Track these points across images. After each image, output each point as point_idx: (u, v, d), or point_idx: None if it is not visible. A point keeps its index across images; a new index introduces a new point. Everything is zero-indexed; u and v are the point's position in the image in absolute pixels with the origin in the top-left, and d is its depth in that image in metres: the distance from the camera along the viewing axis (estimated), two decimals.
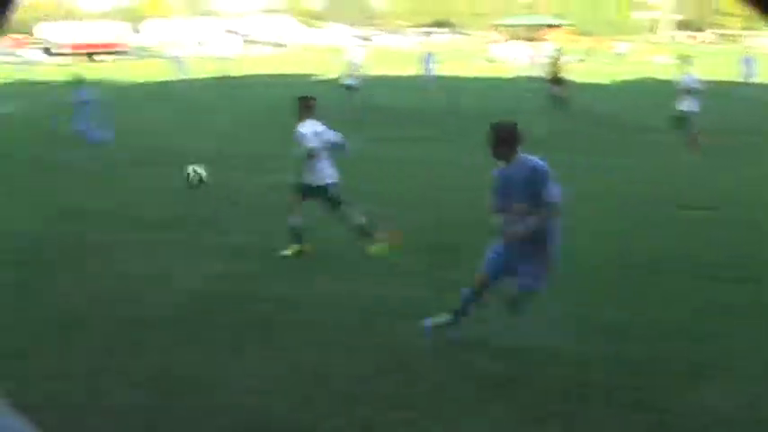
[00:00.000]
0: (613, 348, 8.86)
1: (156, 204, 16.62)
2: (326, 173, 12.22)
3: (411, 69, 53.38)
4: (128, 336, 9.52)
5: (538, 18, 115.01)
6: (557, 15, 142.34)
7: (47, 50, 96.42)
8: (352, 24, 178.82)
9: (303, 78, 54.54)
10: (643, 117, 30.63)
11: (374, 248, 12.28)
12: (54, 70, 58.50)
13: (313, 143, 11.91)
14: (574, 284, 10.66)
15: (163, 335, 9.46)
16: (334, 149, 12.23)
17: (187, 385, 8.04)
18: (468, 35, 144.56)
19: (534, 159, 8.08)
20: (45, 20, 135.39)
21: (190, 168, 17.81)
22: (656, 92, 39.32)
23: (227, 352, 8.82)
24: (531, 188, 7.87)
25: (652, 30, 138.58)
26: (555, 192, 7.95)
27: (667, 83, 31.17)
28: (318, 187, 12.38)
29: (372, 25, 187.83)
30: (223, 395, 7.77)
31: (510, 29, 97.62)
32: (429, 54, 44.28)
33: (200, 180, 17.69)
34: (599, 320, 9.80)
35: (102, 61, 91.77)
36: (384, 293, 10.80)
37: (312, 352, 8.87)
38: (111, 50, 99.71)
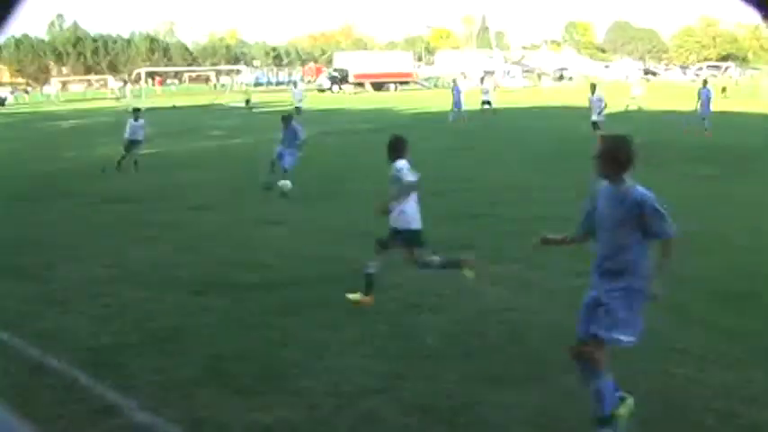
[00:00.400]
0: None
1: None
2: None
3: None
4: None
5: None
6: None
7: (333, 79, 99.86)
8: (639, 58, 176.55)
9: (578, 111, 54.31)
10: None
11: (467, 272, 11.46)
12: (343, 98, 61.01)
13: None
14: None
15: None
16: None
17: None
18: (758, 69, 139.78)
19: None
20: (341, 49, 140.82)
21: None
22: None
23: None
24: None
25: None
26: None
27: None
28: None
29: (660, 59, 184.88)
30: None
31: None
32: (706, 89, 42.83)
33: None
34: None
35: (386, 90, 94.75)
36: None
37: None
38: (399, 80, 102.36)
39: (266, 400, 7.80)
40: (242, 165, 24.54)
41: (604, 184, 7.00)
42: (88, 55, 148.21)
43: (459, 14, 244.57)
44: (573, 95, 66.68)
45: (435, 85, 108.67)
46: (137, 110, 27.58)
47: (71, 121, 47.92)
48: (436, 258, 10.88)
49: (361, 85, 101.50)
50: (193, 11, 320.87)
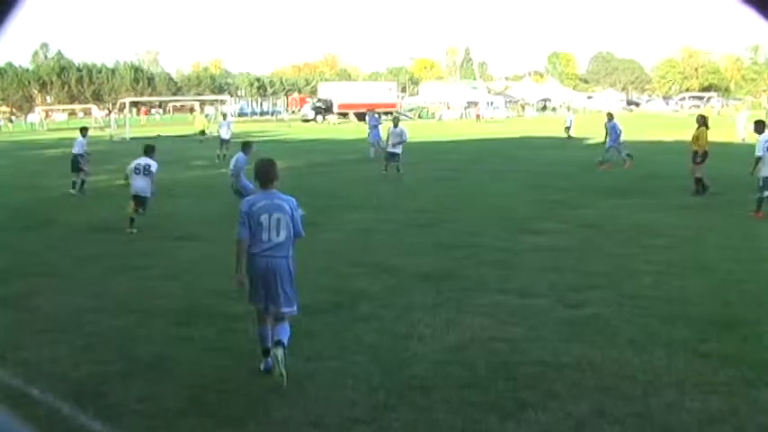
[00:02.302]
0: None
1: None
2: None
3: (676, 135, 52.63)
4: None
5: None
6: None
7: (317, 109, 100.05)
8: (622, 89, 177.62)
9: (561, 141, 54.60)
10: None
11: None
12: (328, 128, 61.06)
13: None
14: None
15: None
16: None
17: None
18: (741, 100, 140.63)
19: None
20: (325, 79, 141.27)
21: None
22: None
23: None
24: None
25: None
26: None
27: None
28: None
29: (643, 90, 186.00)
30: None
31: None
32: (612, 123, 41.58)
33: None
34: None
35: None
36: None
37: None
38: (384, 111, 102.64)
39: (250, 431, 7.77)
40: (226, 194, 24.37)
41: None
42: (72, 84, 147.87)
43: (443, 45, 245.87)
44: (556, 126, 67.01)
45: (419, 116, 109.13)
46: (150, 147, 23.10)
47: (56, 150, 47.76)
48: None
49: (345, 115, 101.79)
50: (178, 41, 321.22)
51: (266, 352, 9.35)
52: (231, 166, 23.01)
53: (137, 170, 21.08)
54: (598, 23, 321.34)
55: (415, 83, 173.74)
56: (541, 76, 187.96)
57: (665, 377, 9.05)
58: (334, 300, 12.53)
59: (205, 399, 8.50)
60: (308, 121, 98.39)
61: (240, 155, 22.76)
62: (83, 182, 28.88)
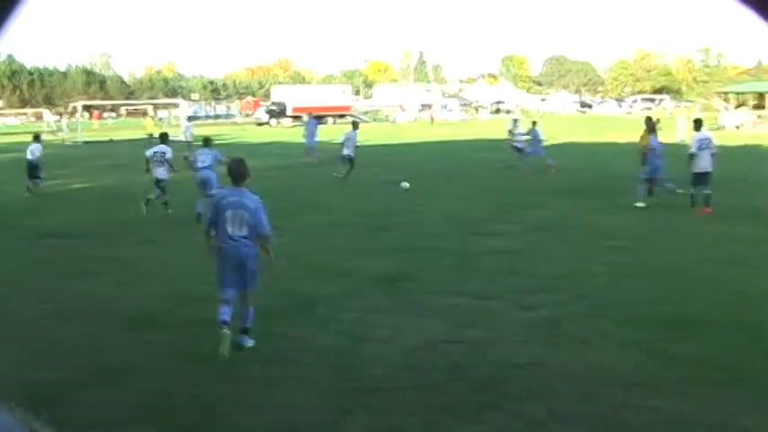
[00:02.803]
0: None
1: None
2: None
3: (630, 137, 52.90)
4: None
5: (766, 86, 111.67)
6: None
7: (271, 112, 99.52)
8: (576, 91, 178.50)
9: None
10: None
11: None
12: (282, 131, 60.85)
13: None
14: None
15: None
16: None
17: None
18: (692, 102, 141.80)
19: None
20: (278, 82, 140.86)
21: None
22: None
23: None
24: None
25: None
26: None
27: None
28: None
29: (596, 92, 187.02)
30: None
31: (737, 96, 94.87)
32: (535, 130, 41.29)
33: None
34: None
35: (324, 123, 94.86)
36: None
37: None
38: (338, 114, 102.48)
39: None
40: (184, 198, 24.31)
41: None
42: (24, 88, 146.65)
43: (397, 48, 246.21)
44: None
45: (374, 119, 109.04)
46: (164, 135, 25.59)
47: (7, 155, 47.27)
48: None
49: (299, 118, 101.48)
50: (130, 43, 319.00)
51: (223, 323, 10.17)
52: (199, 161, 23.15)
53: (155, 157, 23.64)
54: (551, 26, 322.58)
55: (369, 85, 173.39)
56: (495, 78, 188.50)
57: (619, 377, 9.16)
58: (291, 303, 12.54)
59: (161, 405, 8.49)
60: (261, 124, 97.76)
61: (212, 151, 23.32)
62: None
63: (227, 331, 10.05)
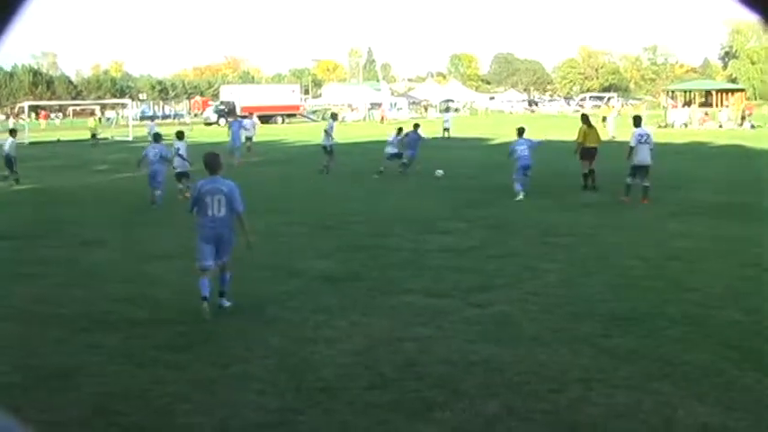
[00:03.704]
0: None
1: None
2: None
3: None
4: None
5: (712, 83, 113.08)
6: (731, 80, 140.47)
7: (220, 112, 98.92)
8: (524, 89, 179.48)
9: (466, 141, 54.94)
10: None
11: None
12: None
13: None
14: None
15: None
16: None
17: None
18: (640, 100, 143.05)
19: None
20: (227, 82, 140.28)
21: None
22: None
23: None
24: None
25: None
26: None
27: None
28: None
29: (545, 90, 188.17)
30: None
31: (685, 94, 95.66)
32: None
33: None
34: None
35: (274, 123, 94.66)
36: None
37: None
38: (287, 113, 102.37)
39: None
40: (131, 199, 24.24)
41: None
42: None
43: (345, 47, 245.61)
44: (460, 127, 67.49)
45: (323, 118, 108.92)
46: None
47: None
48: None
49: (248, 118, 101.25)
50: (76, 42, 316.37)
51: (203, 299, 11.75)
52: (150, 155, 25.23)
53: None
54: (499, 25, 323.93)
55: (318, 84, 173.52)
56: (444, 77, 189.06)
57: (571, 373, 9.16)
58: (240, 303, 12.41)
59: (109, 407, 8.37)
60: (210, 124, 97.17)
61: (161, 146, 25.79)
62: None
63: (206, 306, 11.68)
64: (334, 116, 35.52)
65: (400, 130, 35.23)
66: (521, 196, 24.83)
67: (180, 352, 10.12)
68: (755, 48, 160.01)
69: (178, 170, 26.56)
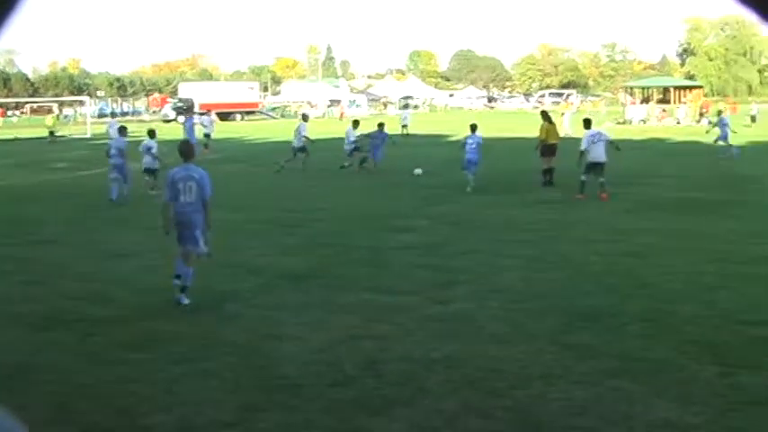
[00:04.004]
0: None
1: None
2: None
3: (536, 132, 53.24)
4: None
5: (670, 80, 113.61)
6: (689, 77, 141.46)
7: (179, 109, 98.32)
8: (484, 86, 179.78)
9: (423, 138, 54.96)
10: None
11: None
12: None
13: None
14: None
15: None
16: None
17: None
18: (599, 97, 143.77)
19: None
20: (186, 79, 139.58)
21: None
22: None
23: None
24: None
25: None
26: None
27: None
28: None
29: (504, 87, 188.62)
30: None
31: (643, 90, 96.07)
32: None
33: None
34: None
35: (233, 120, 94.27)
36: None
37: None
38: (246, 110, 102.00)
39: None
40: (89, 197, 24.07)
41: None
42: None
43: (304, 44, 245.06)
44: (419, 124, 67.58)
45: (282, 116, 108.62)
46: (151, 131, 28.54)
47: None
48: None
49: (206, 115, 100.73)
50: (33, 39, 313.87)
51: (176, 276, 12.49)
52: (113, 149, 25.69)
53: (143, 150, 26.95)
54: (458, 21, 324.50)
55: (278, 82, 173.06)
56: (403, 74, 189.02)
57: (532, 370, 9.20)
58: (201, 301, 12.37)
59: (70, 407, 8.32)
60: (168, 121, 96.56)
61: (123, 140, 26.12)
62: None
63: (177, 282, 12.38)
64: (305, 117, 35.46)
65: (356, 122, 35.26)
66: (468, 188, 25.91)
67: (140, 350, 10.08)
68: (713, 45, 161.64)
69: (146, 167, 26.94)
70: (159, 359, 9.77)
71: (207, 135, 45.61)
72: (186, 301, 12.28)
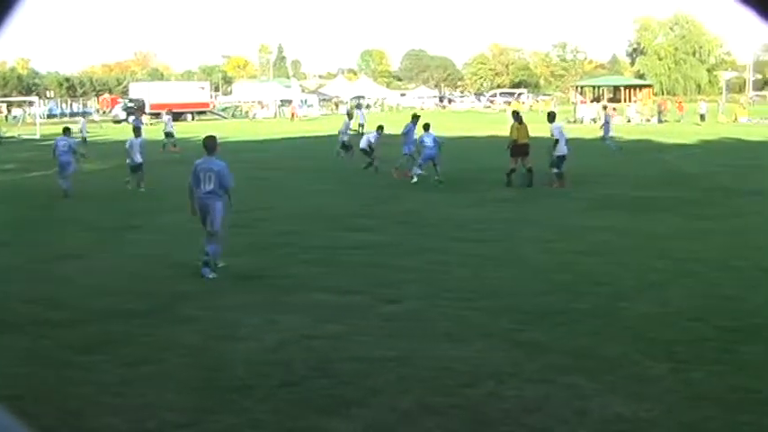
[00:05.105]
0: None
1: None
2: None
3: (490, 130, 53.52)
4: None
5: (621, 79, 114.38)
6: (639, 76, 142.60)
7: (129, 110, 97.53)
8: (435, 86, 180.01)
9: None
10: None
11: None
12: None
13: None
14: None
15: None
16: None
17: None
18: (550, 96, 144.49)
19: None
20: (137, 79, 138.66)
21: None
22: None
23: None
24: None
25: (741, 90, 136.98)
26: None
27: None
28: None
29: (456, 87, 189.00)
30: None
31: (593, 90, 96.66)
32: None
33: None
34: None
35: (184, 120, 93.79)
36: None
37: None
38: (197, 110, 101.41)
39: None
40: (38, 199, 23.82)
41: None
42: None
43: (255, 43, 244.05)
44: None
45: (233, 116, 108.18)
46: (136, 129, 30.03)
47: None
48: None
49: (157, 115, 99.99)
50: None
51: (206, 254, 14.16)
52: (59, 148, 26.44)
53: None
54: (410, 21, 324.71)
55: (229, 81, 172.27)
56: (355, 73, 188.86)
57: (484, 368, 9.22)
58: (151, 303, 12.32)
59: (19, 410, 8.20)
60: (119, 122, 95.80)
61: (70, 140, 27.33)
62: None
63: (206, 258, 14.09)
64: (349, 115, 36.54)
65: (381, 128, 34.94)
66: (416, 179, 27.92)
67: (91, 353, 9.99)
68: (662, 44, 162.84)
69: (134, 163, 27.54)
70: (110, 361, 9.69)
71: (169, 134, 45.58)
72: (211, 276, 14.02)
